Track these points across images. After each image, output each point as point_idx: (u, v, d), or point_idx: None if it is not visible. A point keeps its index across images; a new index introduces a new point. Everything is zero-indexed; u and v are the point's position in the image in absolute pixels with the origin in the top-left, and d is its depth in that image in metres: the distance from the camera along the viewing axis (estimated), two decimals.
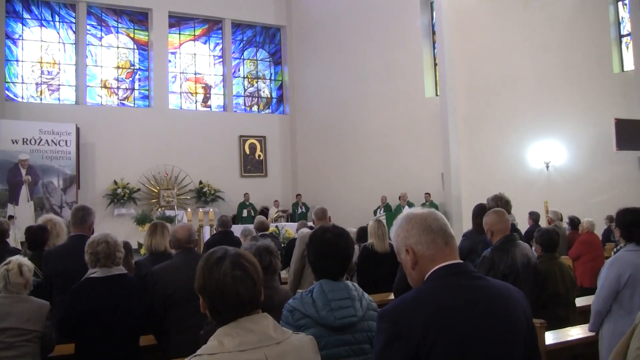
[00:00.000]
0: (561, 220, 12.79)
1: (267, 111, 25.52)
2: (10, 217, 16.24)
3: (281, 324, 3.32)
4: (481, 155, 19.43)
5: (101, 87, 22.58)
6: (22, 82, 21.36)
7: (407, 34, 22.09)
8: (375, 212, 20.59)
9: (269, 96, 25.66)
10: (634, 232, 5.07)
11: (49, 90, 21.72)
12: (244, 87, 25.19)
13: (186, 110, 23.81)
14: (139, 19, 23.19)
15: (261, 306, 2.50)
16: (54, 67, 21.87)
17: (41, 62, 21.67)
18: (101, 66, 22.65)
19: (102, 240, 4.89)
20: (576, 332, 5.67)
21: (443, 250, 2.53)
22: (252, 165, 24.01)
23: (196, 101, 24.27)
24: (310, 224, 12.78)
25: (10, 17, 21.27)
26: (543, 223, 13.11)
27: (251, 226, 11.01)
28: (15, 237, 14.79)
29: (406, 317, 2.36)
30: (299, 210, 22.59)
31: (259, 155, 24.15)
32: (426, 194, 20.13)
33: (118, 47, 22.99)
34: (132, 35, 23.20)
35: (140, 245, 13.75)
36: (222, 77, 24.65)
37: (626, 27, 18.18)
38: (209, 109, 24.38)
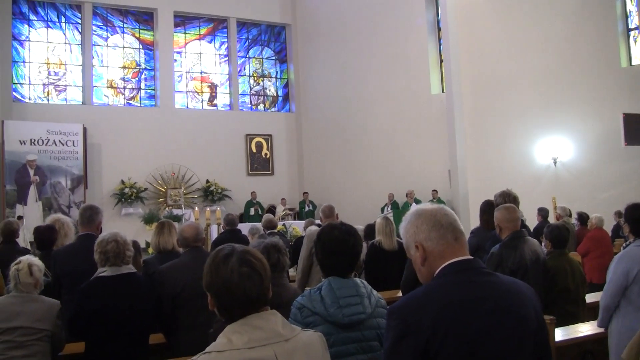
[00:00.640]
0: (570, 216, 12.72)
1: (273, 109, 25.51)
2: (20, 218, 16.25)
3: (290, 322, 3.32)
4: (488, 151, 19.38)
5: (107, 87, 22.58)
6: (29, 83, 21.37)
7: (413, 31, 22.07)
8: (382, 210, 20.59)
9: (274, 94, 25.65)
10: None
11: (55, 90, 21.72)
12: (249, 86, 25.18)
13: (192, 109, 23.80)
14: (145, 18, 23.20)
15: (269, 303, 2.49)
16: (61, 68, 21.88)
17: (48, 63, 21.67)
18: (107, 66, 22.65)
19: (112, 239, 4.91)
20: (586, 329, 5.65)
21: (453, 246, 2.52)
22: (259, 163, 24.00)
23: (202, 100, 24.26)
24: (317, 221, 12.78)
25: (16, 18, 21.28)
26: (552, 219, 13.07)
27: (259, 224, 11.03)
28: (25, 238, 14.82)
29: (416, 313, 2.36)
30: (306, 208, 22.60)
31: (266, 154, 24.15)
32: (433, 190, 20.13)
33: (124, 47, 22.99)
34: (137, 35, 23.21)
35: (148, 244, 13.76)
36: (227, 75, 24.64)
37: (634, 21, 18.17)
38: (215, 107, 24.38)
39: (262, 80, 25.44)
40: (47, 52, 21.72)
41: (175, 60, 23.57)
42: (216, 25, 24.49)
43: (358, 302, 3.45)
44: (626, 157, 17.07)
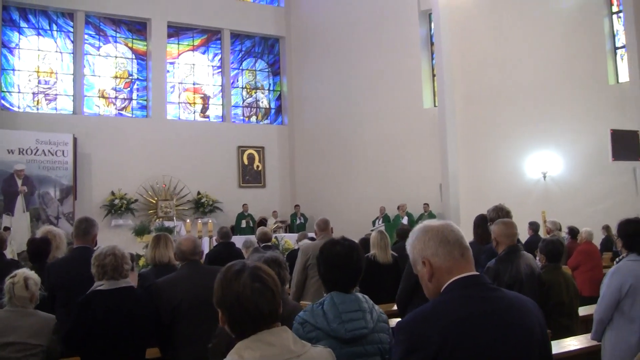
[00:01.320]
0: (560, 230, 12.82)
1: (265, 122, 25.54)
2: (6, 229, 16.07)
3: None
4: (479, 165, 19.51)
5: (99, 96, 22.55)
6: (19, 92, 21.31)
7: (406, 45, 22.16)
8: (374, 223, 20.62)
9: (267, 107, 25.69)
10: (635, 242, 5.16)
11: (46, 99, 21.67)
12: (242, 98, 25.21)
13: (184, 120, 23.81)
14: (138, 28, 23.19)
15: (280, 319, 2.50)
16: (51, 77, 21.82)
17: (38, 72, 21.60)
18: (99, 76, 22.62)
19: (110, 253, 4.87)
20: (579, 342, 5.73)
21: (459, 262, 2.56)
22: (251, 175, 24.00)
23: (194, 111, 24.27)
24: (311, 234, 12.79)
25: (6, 25, 21.19)
26: (542, 233, 13.13)
27: (253, 237, 11.02)
28: (12, 249, 14.69)
29: (424, 328, 2.39)
30: (298, 221, 22.63)
31: (258, 166, 24.16)
32: (425, 204, 20.20)
33: (116, 57, 22.96)
34: (130, 45, 23.19)
35: (138, 256, 13.70)
36: (220, 87, 24.66)
37: (621, 40, 18.35)
38: (207, 119, 24.40)
39: (255, 92, 25.48)
40: (38, 60, 21.65)
41: (168, 71, 23.58)
42: (210, 36, 24.52)
43: (360, 317, 3.46)
44: (614, 172, 17.22)
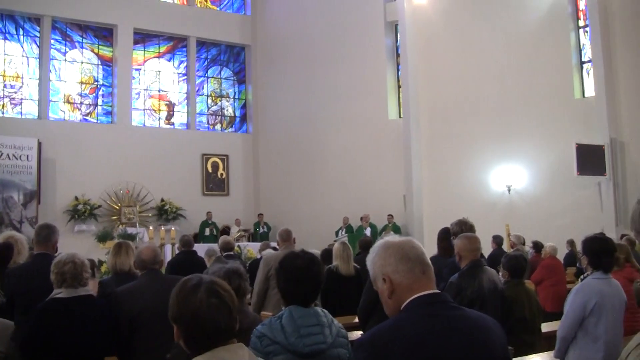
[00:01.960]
0: (524, 244, 12.88)
1: (230, 130, 25.44)
2: None
3: (249, 350, 3.30)
4: (444, 177, 19.59)
5: (64, 102, 22.32)
6: None
7: (371, 56, 22.21)
8: (337, 233, 20.57)
9: (232, 115, 25.60)
10: (601, 260, 5.13)
11: (11, 104, 21.40)
12: (207, 105, 25.10)
13: (149, 127, 23.65)
14: (104, 34, 23.00)
15: (236, 335, 2.47)
16: (17, 81, 21.56)
17: (4, 76, 21.34)
18: (65, 81, 22.39)
19: (69, 260, 4.81)
20: (542, 359, 5.69)
21: (420, 279, 2.54)
22: (214, 183, 23.87)
23: (159, 118, 24.12)
24: (273, 244, 12.76)
25: None
26: (505, 247, 13.19)
27: (215, 246, 10.95)
28: None
29: (384, 346, 2.37)
30: (261, 230, 22.56)
31: (222, 174, 24.03)
32: (389, 215, 20.23)
33: (82, 63, 22.73)
34: (96, 50, 22.98)
35: (101, 262, 13.59)
36: (186, 94, 24.54)
37: (587, 54, 18.47)
38: (172, 126, 24.26)
39: (220, 100, 25.38)
40: (4, 64, 21.37)
41: (134, 78, 23.39)
42: (176, 43, 24.39)
43: (319, 332, 3.44)
44: (578, 187, 17.32)
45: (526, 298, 6.37)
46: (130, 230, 19.04)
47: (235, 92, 25.73)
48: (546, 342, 6.41)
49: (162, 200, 22.46)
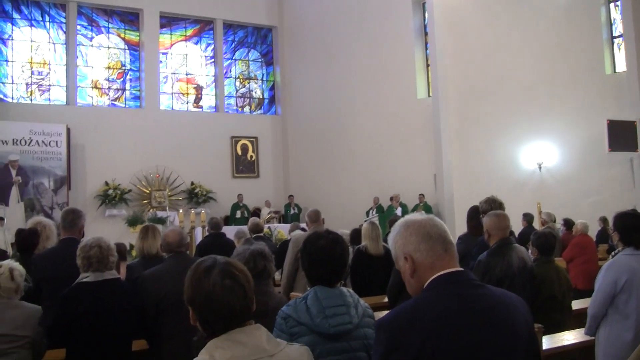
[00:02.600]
0: (554, 222, 12.76)
1: (259, 112, 25.45)
2: (1, 219, 16.09)
3: (275, 331, 3.27)
4: (474, 156, 19.41)
5: (92, 87, 22.44)
6: (12, 83, 21.20)
7: (399, 35, 22.06)
8: (367, 214, 20.55)
9: (260, 97, 25.59)
10: (632, 236, 5.05)
11: (39, 90, 21.57)
12: (235, 88, 25.12)
13: (178, 110, 23.72)
14: (130, 19, 23.06)
15: (255, 312, 2.44)
16: (44, 68, 21.71)
17: (31, 62, 21.50)
18: (92, 66, 22.51)
19: (95, 245, 4.81)
20: (572, 337, 5.66)
21: (442, 257, 2.49)
22: (244, 166, 23.92)
23: (188, 102, 24.17)
24: (303, 225, 12.74)
25: None
26: (536, 224, 13.08)
27: (245, 228, 10.94)
28: (5, 239, 14.69)
29: (405, 327, 2.32)
30: (291, 212, 22.58)
31: (251, 156, 24.07)
32: (420, 195, 20.07)
33: (109, 48, 22.84)
34: (123, 35, 23.06)
35: (132, 246, 13.64)
36: (213, 77, 24.57)
37: (618, 29, 18.23)
38: (200, 109, 24.31)
39: (248, 83, 25.38)
40: (31, 51, 21.55)
41: (161, 62, 23.47)
42: (202, 26, 24.39)
43: (344, 312, 3.39)
44: (610, 163, 17.14)
45: (555, 276, 6.32)
46: (160, 214, 19.12)
47: (263, 74, 25.71)
48: (577, 320, 6.36)
49: (192, 183, 22.56)
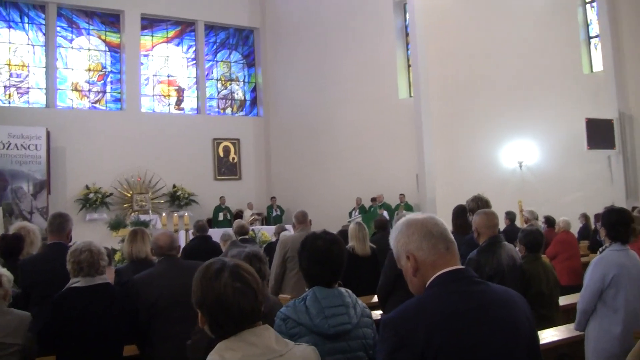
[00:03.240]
0: (537, 219, 12.85)
1: (240, 113, 25.43)
2: None
3: None
4: (455, 155, 19.51)
5: (72, 89, 22.31)
6: None
7: (381, 36, 22.15)
8: (350, 214, 20.61)
9: (242, 98, 25.58)
10: (619, 232, 5.15)
11: (18, 93, 21.37)
12: (217, 90, 25.09)
13: (159, 113, 23.65)
14: (111, 20, 22.95)
15: (261, 318, 2.45)
16: (23, 70, 21.52)
17: (10, 65, 21.31)
18: (72, 69, 22.36)
19: (85, 249, 4.79)
20: (561, 332, 5.75)
21: (444, 255, 2.52)
22: (226, 168, 23.90)
23: (169, 104, 24.11)
24: (288, 227, 12.74)
25: None
26: (518, 222, 13.17)
27: (230, 230, 10.92)
28: None
29: (410, 324, 2.35)
30: (274, 213, 22.58)
31: (233, 158, 24.06)
32: (401, 195, 20.13)
33: (89, 49, 22.70)
34: (103, 37, 22.94)
35: (114, 251, 13.56)
36: (195, 79, 24.52)
37: (595, 29, 18.42)
38: (182, 111, 24.26)
39: (230, 84, 25.37)
40: (9, 53, 21.34)
41: (142, 63, 23.39)
42: (184, 28, 24.35)
43: (344, 312, 3.42)
44: (589, 161, 17.30)
45: (543, 272, 6.42)
46: (142, 217, 19.01)
47: (245, 76, 25.71)
48: (564, 315, 6.45)
49: (174, 186, 22.51)
